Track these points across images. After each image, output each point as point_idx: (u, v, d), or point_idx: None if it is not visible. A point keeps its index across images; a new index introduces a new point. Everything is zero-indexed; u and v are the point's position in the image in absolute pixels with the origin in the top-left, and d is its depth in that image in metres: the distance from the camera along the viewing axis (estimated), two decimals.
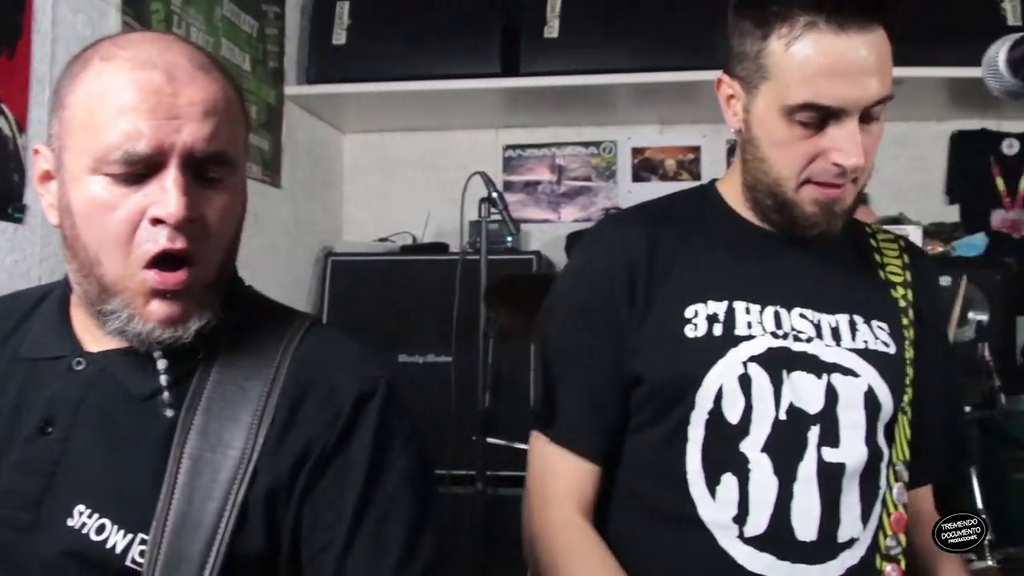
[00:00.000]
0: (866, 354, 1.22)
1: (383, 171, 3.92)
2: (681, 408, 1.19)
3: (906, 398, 1.24)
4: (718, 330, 1.19)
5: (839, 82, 1.12)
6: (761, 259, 1.25)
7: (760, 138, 1.18)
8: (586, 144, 3.86)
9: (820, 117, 1.14)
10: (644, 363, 1.21)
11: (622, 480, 1.26)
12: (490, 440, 2.58)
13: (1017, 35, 1.01)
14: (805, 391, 1.18)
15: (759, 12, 1.15)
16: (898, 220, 3.41)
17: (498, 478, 2.68)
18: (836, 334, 1.22)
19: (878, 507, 1.22)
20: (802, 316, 1.22)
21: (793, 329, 1.21)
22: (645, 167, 3.85)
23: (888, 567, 1.19)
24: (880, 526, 1.21)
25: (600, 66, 3.26)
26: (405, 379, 1.13)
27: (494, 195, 2.67)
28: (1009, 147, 3.73)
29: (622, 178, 3.83)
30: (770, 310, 1.22)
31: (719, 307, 1.21)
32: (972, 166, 3.71)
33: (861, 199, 2.98)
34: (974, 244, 3.38)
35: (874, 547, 1.20)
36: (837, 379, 1.19)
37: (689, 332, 1.20)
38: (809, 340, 1.20)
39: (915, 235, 3.29)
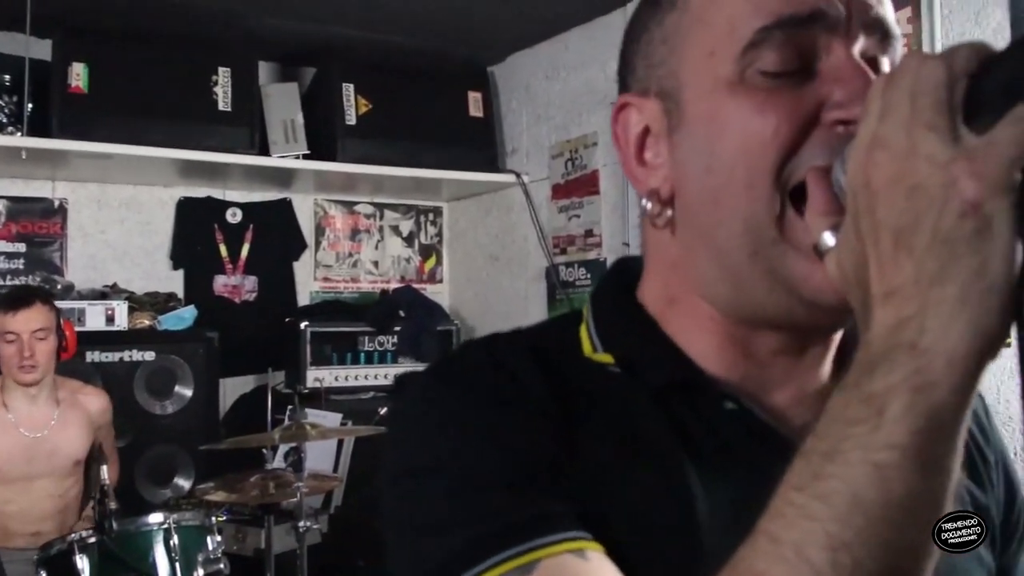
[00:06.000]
0: None
1: None
2: None
3: None
4: None
5: None
6: None
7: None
8: None
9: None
10: None
11: None
12: None
13: None
14: None
15: None
16: (105, 295, 3.43)
17: None
18: None
19: None
20: None
21: None
22: None
23: None
24: None
25: None
26: None
27: None
28: (233, 216, 3.97)
29: None
30: None
31: None
32: (197, 232, 3.88)
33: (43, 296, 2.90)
34: (182, 317, 3.51)
35: None
36: None
37: None
38: None
39: (121, 309, 3.35)
